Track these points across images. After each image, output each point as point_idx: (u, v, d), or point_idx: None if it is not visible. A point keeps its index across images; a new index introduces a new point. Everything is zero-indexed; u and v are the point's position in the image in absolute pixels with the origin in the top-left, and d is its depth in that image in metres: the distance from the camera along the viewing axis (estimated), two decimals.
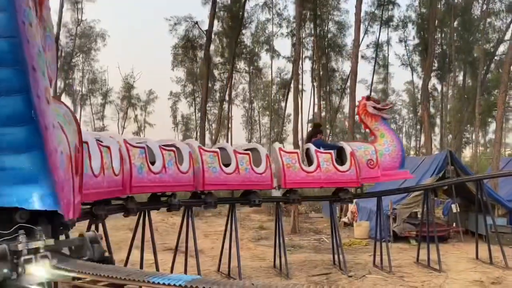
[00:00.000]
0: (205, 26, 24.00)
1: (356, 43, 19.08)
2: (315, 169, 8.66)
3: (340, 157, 9.11)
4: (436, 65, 30.65)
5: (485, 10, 28.22)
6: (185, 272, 8.39)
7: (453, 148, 27.89)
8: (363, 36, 31.56)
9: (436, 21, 27.56)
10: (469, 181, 11.87)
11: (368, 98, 9.77)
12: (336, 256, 9.93)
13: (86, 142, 4.61)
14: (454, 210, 13.41)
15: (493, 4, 29.39)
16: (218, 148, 8.02)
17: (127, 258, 7.80)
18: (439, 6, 28.52)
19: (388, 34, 33.67)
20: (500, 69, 23.23)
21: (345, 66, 34.21)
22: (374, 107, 9.43)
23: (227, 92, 33.84)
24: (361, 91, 59.85)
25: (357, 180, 8.90)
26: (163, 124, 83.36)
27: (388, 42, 34.24)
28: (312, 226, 17.53)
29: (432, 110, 35.95)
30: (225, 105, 36.52)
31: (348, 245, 12.98)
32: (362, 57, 32.88)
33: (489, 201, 11.58)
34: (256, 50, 40.98)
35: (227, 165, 7.66)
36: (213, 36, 31.60)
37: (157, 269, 7.48)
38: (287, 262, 9.02)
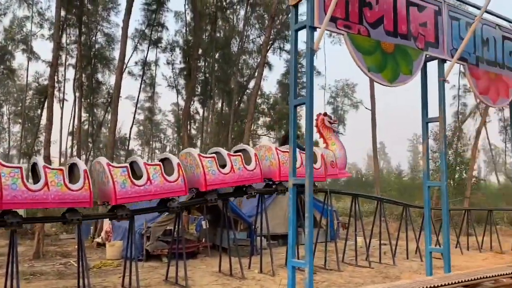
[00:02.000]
0: None
1: (122, 57, 18.73)
2: (300, 166, 9.94)
3: None
4: (199, 90, 32.94)
5: (241, 48, 32.10)
6: None
7: None
8: (132, 53, 31.38)
9: (201, 50, 29.76)
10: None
11: (325, 114, 12.19)
12: (82, 281, 9.15)
13: None
14: (204, 226, 14.37)
15: (248, 44, 33.80)
16: None
17: None
18: (204, 36, 30.93)
19: (156, 54, 34.37)
20: (249, 101, 26.63)
21: (113, 80, 33.15)
22: (329, 121, 11.91)
23: None
24: (127, 107, 59.18)
25: (325, 175, 11.53)
26: None
27: (156, 62, 34.93)
28: (60, 249, 15.91)
29: (194, 132, 38.30)
30: None
31: (98, 267, 12.24)
32: (130, 73, 32.62)
33: (233, 217, 12.88)
34: (10, 48, 35.76)
35: None
36: None
37: None
38: None
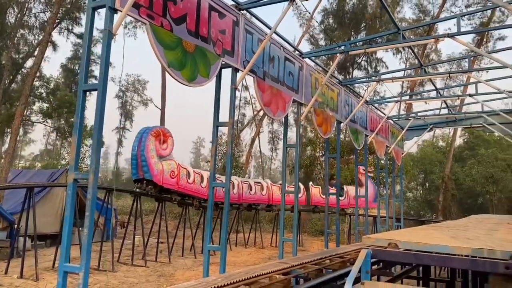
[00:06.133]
0: None
1: None
2: (344, 198, 19.02)
3: None
4: None
5: (19, 21, 27.79)
6: None
7: None
8: None
9: None
10: None
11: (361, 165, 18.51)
12: None
13: None
14: None
15: (29, 18, 29.50)
16: None
17: None
18: None
19: None
20: (24, 82, 23.18)
21: None
22: (363, 170, 17.37)
23: None
24: None
25: (348, 205, 19.33)
26: None
27: None
28: None
29: None
30: None
31: None
32: None
33: None
34: None
35: None
36: None
37: None
38: None
